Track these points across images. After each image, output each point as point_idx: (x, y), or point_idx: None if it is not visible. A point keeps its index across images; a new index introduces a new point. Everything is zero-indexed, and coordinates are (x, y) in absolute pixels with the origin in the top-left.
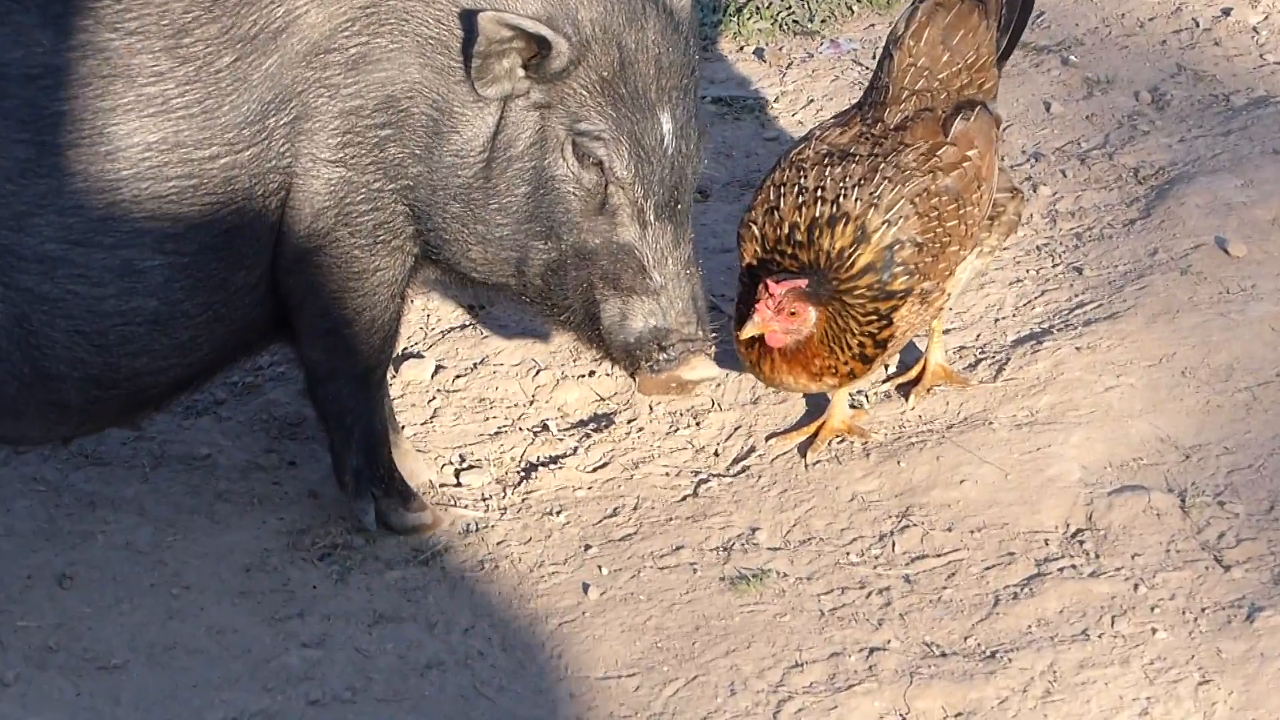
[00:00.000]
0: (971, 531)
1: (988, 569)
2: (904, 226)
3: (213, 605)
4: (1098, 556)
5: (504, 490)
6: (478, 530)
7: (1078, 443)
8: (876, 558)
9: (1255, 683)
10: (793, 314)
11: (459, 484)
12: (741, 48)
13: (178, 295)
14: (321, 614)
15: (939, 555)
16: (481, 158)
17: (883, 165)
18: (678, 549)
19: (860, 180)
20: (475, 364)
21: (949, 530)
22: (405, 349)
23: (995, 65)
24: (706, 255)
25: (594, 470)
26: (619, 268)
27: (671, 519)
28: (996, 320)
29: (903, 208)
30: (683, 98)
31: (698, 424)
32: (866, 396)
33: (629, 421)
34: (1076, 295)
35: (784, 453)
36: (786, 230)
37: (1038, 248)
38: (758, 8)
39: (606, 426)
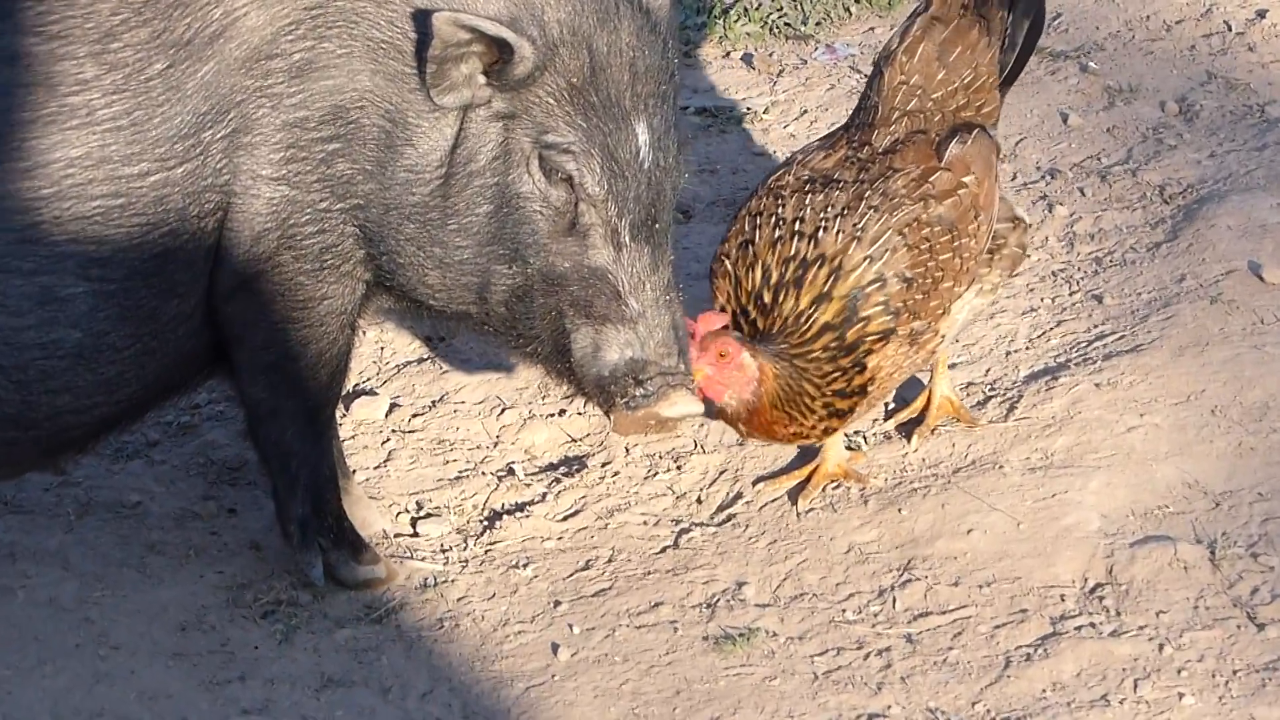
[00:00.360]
0: (980, 586)
1: (998, 628)
2: (890, 260)
3: (144, 668)
4: (1119, 614)
5: (465, 541)
6: (436, 585)
7: (1097, 489)
8: (875, 615)
9: None
10: (723, 355)
11: (416, 534)
12: (728, 53)
13: (103, 326)
14: (264, 678)
15: (944, 612)
16: (439, 173)
17: (869, 193)
18: (656, 606)
19: (844, 209)
20: (434, 402)
21: (955, 585)
22: (356, 385)
23: (998, 88)
24: (688, 282)
25: (564, 519)
26: (591, 294)
27: (650, 573)
28: (1008, 353)
29: (889, 239)
30: (660, 105)
31: (679, 468)
32: (864, 438)
33: (603, 465)
34: (1096, 326)
35: (773, 499)
36: (759, 276)
37: (1053, 273)
38: (746, 9)
39: (578, 470)
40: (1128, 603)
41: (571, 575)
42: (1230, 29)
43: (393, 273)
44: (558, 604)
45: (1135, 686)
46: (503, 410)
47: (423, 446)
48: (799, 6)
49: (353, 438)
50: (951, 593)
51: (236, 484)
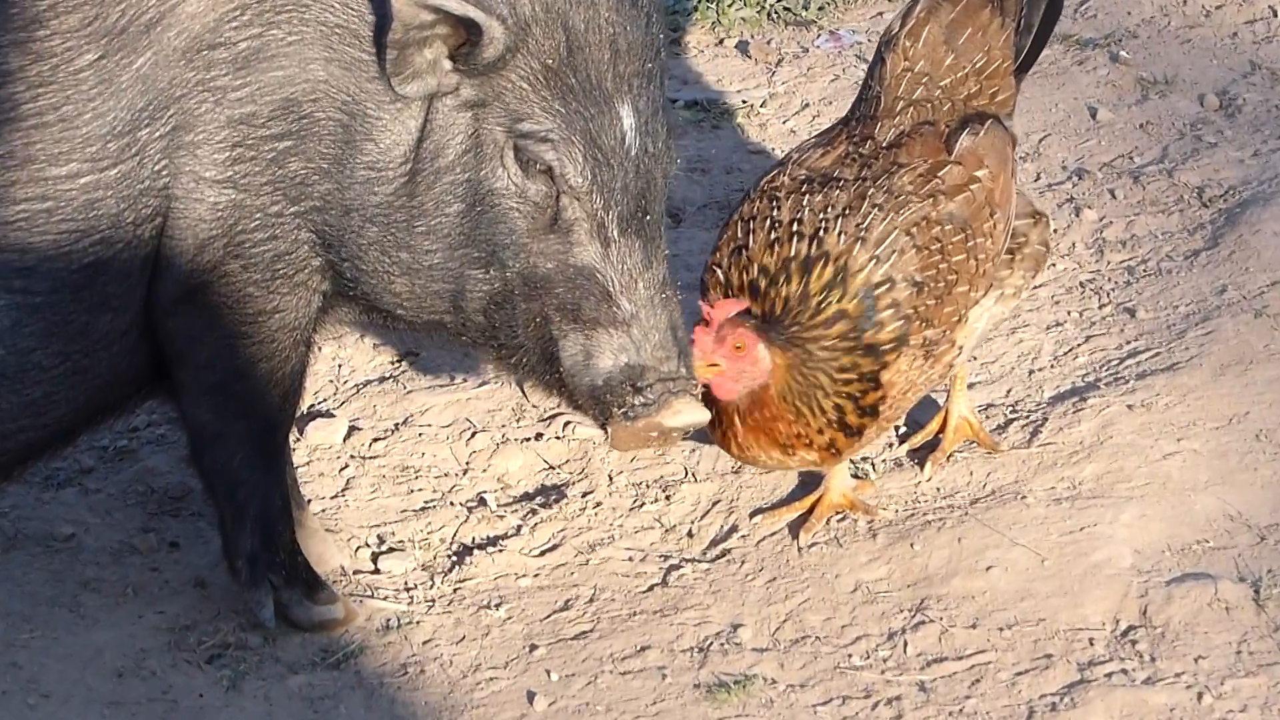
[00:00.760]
0: (1000, 629)
1: (1020, 674)
2: (898, 262)
3: (77, 718)
4: (1154, 659)
5: (432, 578)
6: (400, 627)
7: (1130, 521)
8: (885, 661)
9: None
10: (738, 347)
11: (377, 570)
12: (721, 40)
13: (27, 343)
14: None
15: (960, 658)
16: (403, 170)
17: (872, 191)
18: (643, 650)
19: (845, 210)
20: (397, 425)
21: (973, 627)
22: (312, 406)
23: (1012, 74)
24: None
25: (541, 554)
26: (579, 296)
27: (636, 613)
28: (1031, 372)
29: (896, 240)
30: (645, 86)
31: (668, 498)
32: (873, 465)
33: (584, 495)
34: (1128, 342)
35: (772, 533)
36: (755, 274)
37: (1081, 284)
38: None
39: (556, 501)
40: (1163, 647)
41: (549, 616)
42: (1276, 14)
43: (355, 281)
44: (534, 648)
45: None
46: (473, 434)
47: (385, 474)
48: None
49: (307, 464)
50: (969, 636)
51: (179, 515)
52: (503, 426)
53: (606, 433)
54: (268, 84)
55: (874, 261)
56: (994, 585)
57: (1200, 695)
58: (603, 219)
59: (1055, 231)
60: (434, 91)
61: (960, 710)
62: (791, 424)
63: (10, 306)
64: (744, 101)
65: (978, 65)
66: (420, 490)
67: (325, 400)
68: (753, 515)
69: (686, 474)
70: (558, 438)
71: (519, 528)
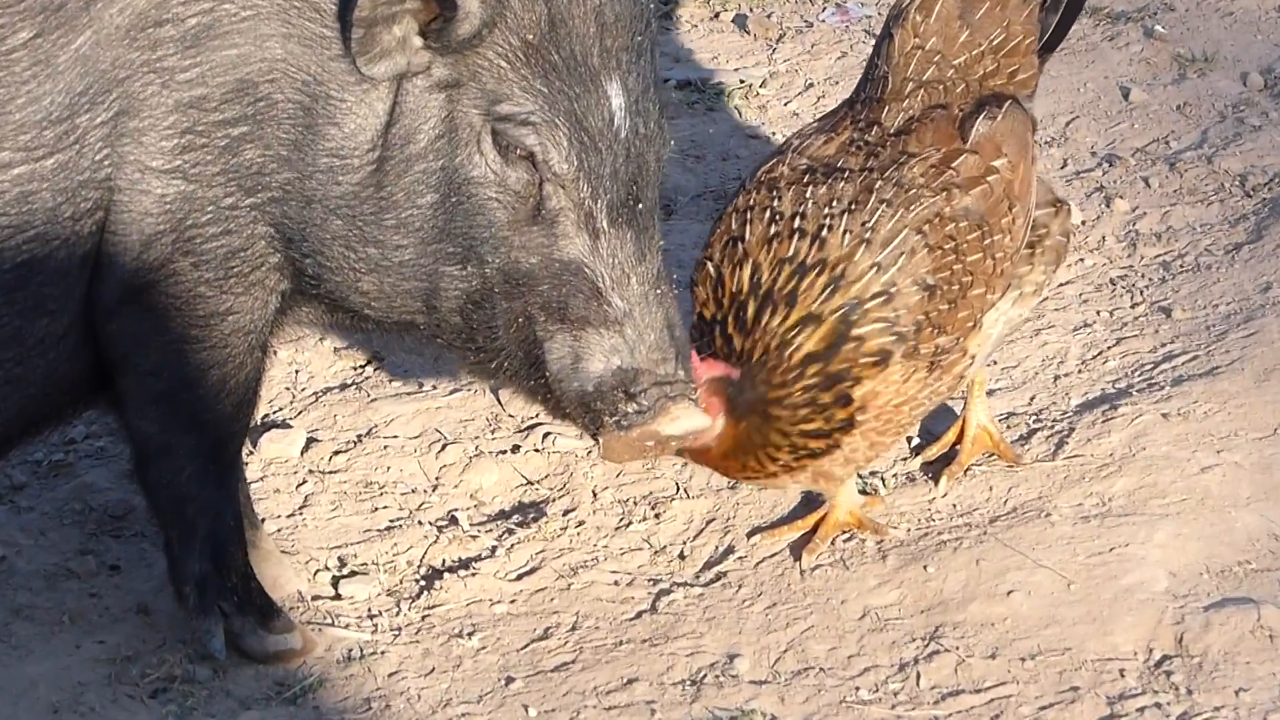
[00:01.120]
0: (1022, 659)
1: (1043, 709)
2: (907, 265)
3: None
4: (1190, 692)
5: (398, 605)
6: (363, 658)
7: (1164, 541)
8: (895, 694)
9: None
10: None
11: (338, 596)
12: (717, 14)
13: None
14: None
15: (978, 690)
16: (370, 158)
17: (880, 184)
18: (630, 683)
19: (851, 205)
20: (359, 436)
21: (992, 658)
22: (266, 416)
23: (1035, 53)
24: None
25: (518, 578)
26: (565, 293)
27: (622, 643)
28: (1057, 378)
29: (906, 239)
30: (635, 62)
31: (657, 516)
32: (883, 479)
33: (565, 513)
34: (1163, 344)
35: (772, 554)
36: (748, 278)
37: (1111, 281)
38: None
39: (535, 519)
40: (1201, 678)
41: (527, 646)
42: None
43: (319, 279)
44: (510, 680)
45: None
46: (443, 446)
47: (346, 490)
48: None
49: (262, 480)
50: (988, 667)
51: (120, 535)
52: (476, 438)
53: (597, 443)
54: (220, 64)
55: (875, 269)
56: (1015, 611)
57: None
58: (591, 208)
59: (1084, 224)
60: (403, 72)
61: None
62: (743, 469)
63: None
64: (742, 81)
65: (995, 42)
66: (385, 508)
67: (281, 410)
68: (750, 535)
69: (678, 490)
70: (536, 450)
71: (494, 549)
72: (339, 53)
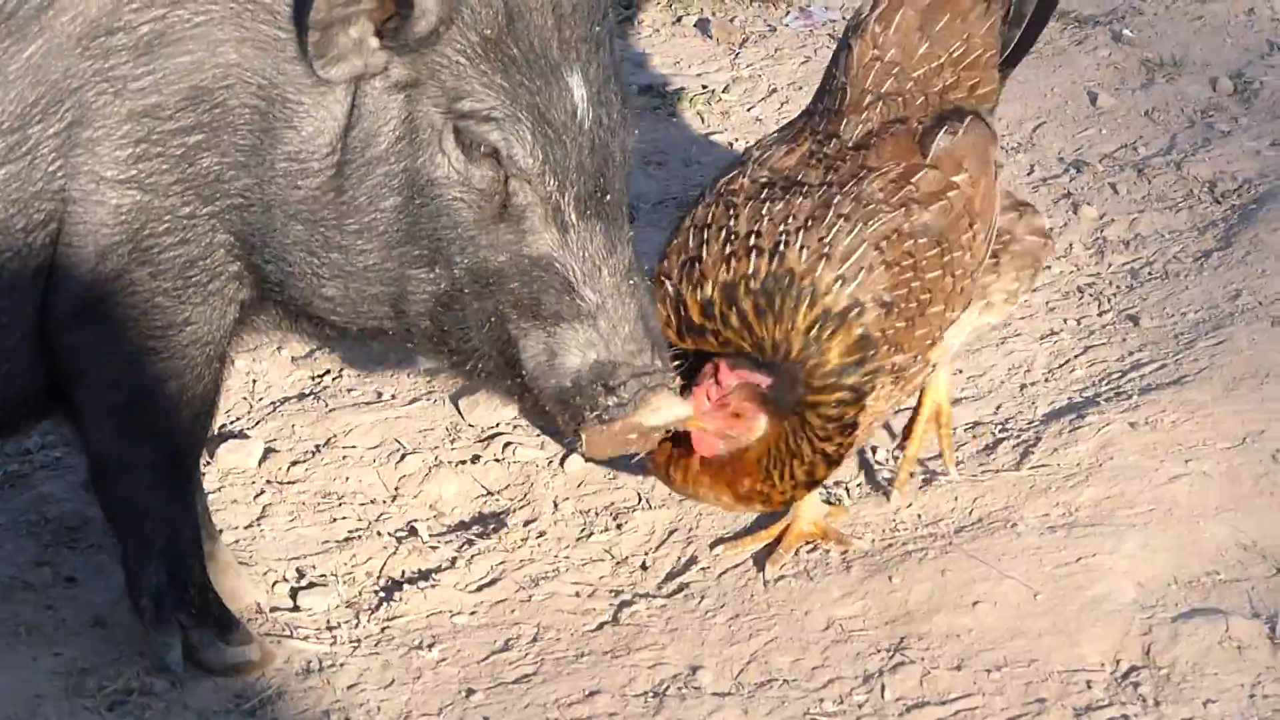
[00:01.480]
0: (988, 671)
1: None
2: (866, 282)
3: None
4: (1158, 704)
5: (357, 616)
6: (322, 670)
7: (1132, 551)
8: (860, 706)
9: None
10: (737, 416)
11: (296, 608)
12: (679, 18)
13: None
14: None
15: (944, 703)
16: (329, 162)
17: (839, 199)
18: (592, 695)
19: (808, 220)
20: (318, 446)
21: (957, 669)
22: (223, 426)
23: (996, 67)
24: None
25: (479, 589)
26: (537, 290)
27: (584, 654)
28: (1023, 387)
29: (864, 255)
30: (594, 52)
31: (619, 527)
32: (847, 489)
33: (526, 523)
34: (1131, 353)
35: (735, 565)
36: (710, 294)
37: (1079, 289)
38: None
39: (496, 530)
40: (1169, 690)
41: (487, 658)
42: None
43: (282, 285)
44: (471, 693)
45: None
46: (403, 456)
47: (304, 501)
48: None
49: (219, 490)
50: (953, 679)
51: (76, 547)
52: (435, 448)
53: (579, 440)
54: (173, 71)
55: (839, 281)
56: (981, 622)
57: None
58: (558, 202)
59: (1050, 231)
60: (361, 73)
61: None
62: (758, 482)
63: None
64: (704, 86)
65: (955, 55)
66: (344, 519)
67: (238, 419)
68: (713, 546)
69: (640, 500)
70: (497, 460)
71: (454, 560)
72: (294, 55)
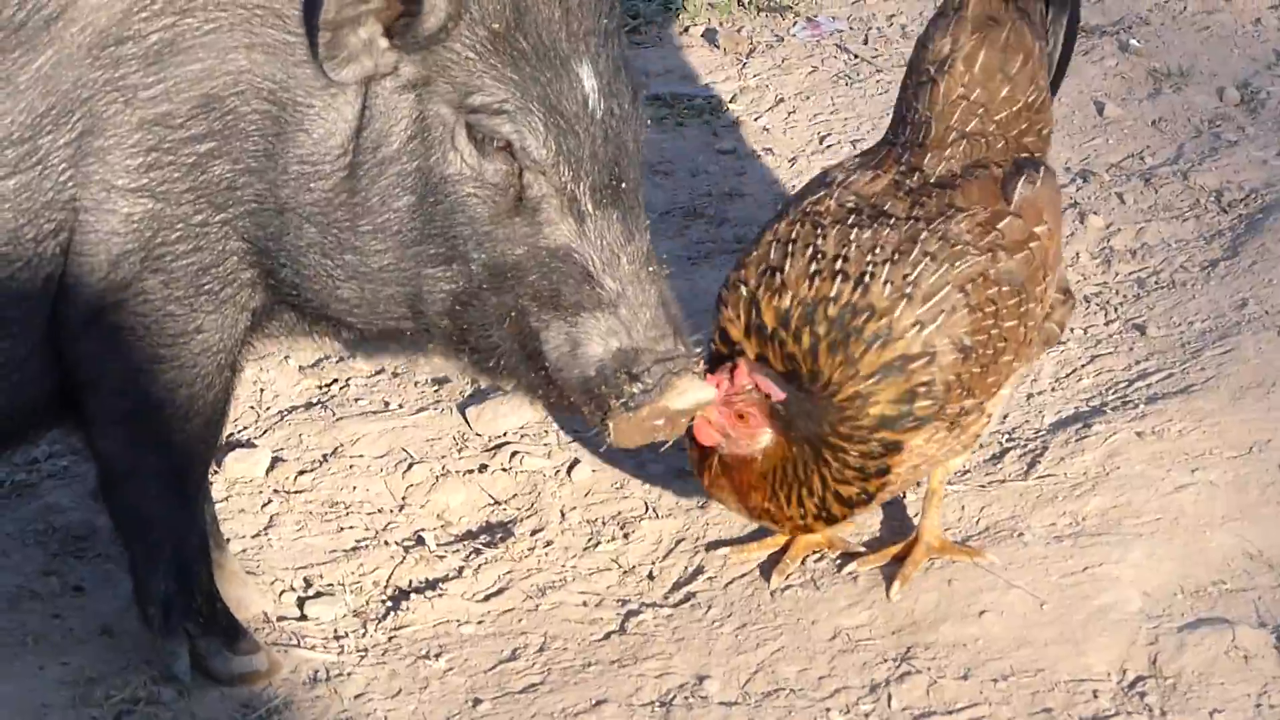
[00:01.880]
0: (994, 680)
1: None
2: (945, 325)
3: None
4: (1164, 713)
5: (364, 626)
6: (329, 679)
7: (1138, 561)
8: (867, 715)
9: None
10: (740, 418)
11: (304, 617)
12: (687, 29)
13: None
14: None
15: (951, 712)
16: (341, 164)
17: (925, 235)
18: (599, 704)
19: (895, 254)
20: (325, 456)
21: (964, 679)
22: (231, 435)
23: (1050, 108)
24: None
25: (486, 599)
26: (556, 280)
27: (590, 664)
28: (1030, 396)
29: (948, 296)
30: (603, 44)
31: (626, 536)
32: None
33: (533, 533)
34: (1138, 362)
35: (742, 574)
36: (789, 306)
37: (1086, 298)
38: None
39: (503, 539)
40: (1175, 699)
41: (494, 667)
42: None
43: (298, 288)
44: (477, 702)
45: None
46: (410, 466)
47: (312, 510)
48: None
49: (226, 499)
50: (960, 688)
51: (84, 556)
52: (443, 457)
53: (608, 429)
54: (183, 79)
55: (917, 327)
56: (988, 632)
57: None
58: (573, 192)
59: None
60: (371, 74)
61: None
62: (766, 500)
63: None
64: (712, 96)
65: (1029, 99)
66: (351, 528)
67: (246, 429)
68: (717, 550)
69: (647, 510)
70: (504, 470)
71: (461, 569)
72: (304, 58)
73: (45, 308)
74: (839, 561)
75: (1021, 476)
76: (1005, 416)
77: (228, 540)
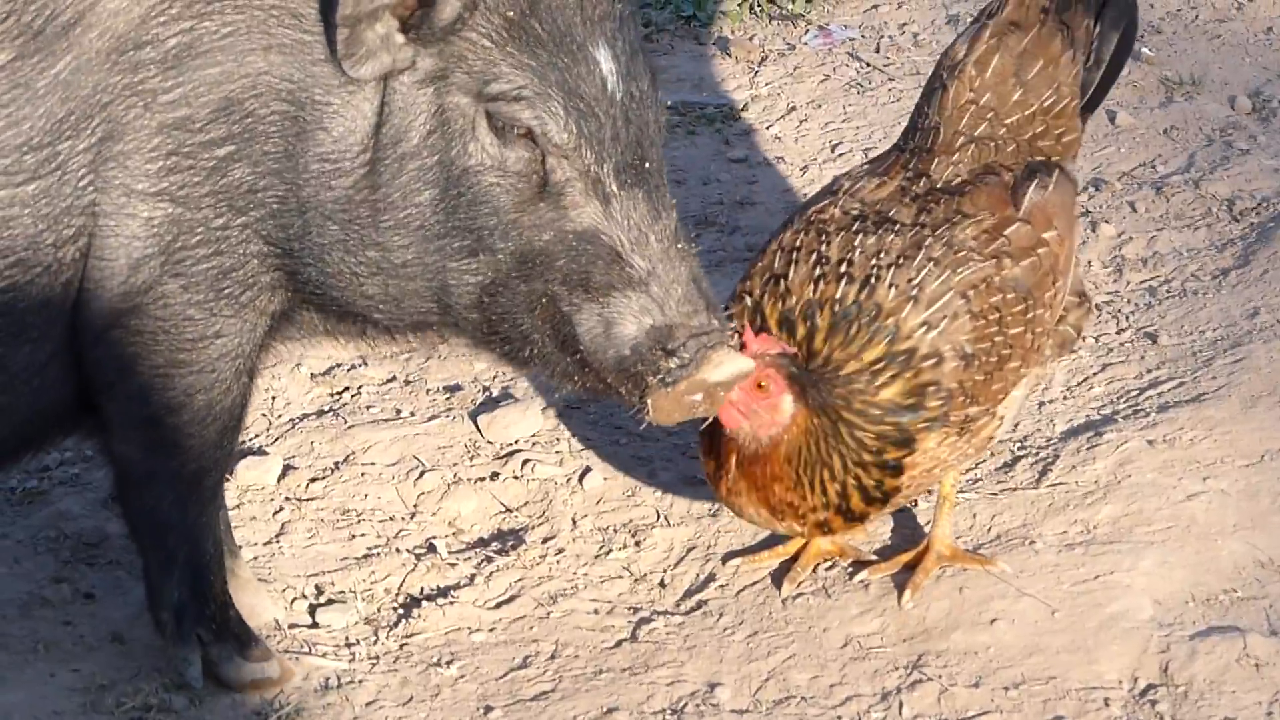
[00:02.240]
0: (1006, 688)
1: None
2: (949, 330)
3: None
4: None
5: (375, 633)
6: (340, 687)
7: (1150, 569)
8: None
9: None
10: (760, 386)
11: (315, 624)
12: (699, 37)
13: None
14: None
15: (962, 719)
16: (362, 160)
17: (930, 241)
18: (610, 712)
19: (899, 258)
20: (337, 463)
21: (975, 686)
22: (242, 443)
23: (1079, 114)
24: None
25: (497, 606)
26: (585, 263)
27: (602, 671)
28: (1041, 404)
29: (950, 302)
30: (619, 28)
31: (637, 544)
32: None
33: (544, 540)
34: (1149, 371)
35: (753, 582)
36: (791, 307)
37: (1097, 306)
38: None
39: (514, 547)
40: (1186, 708)
41: (506, 675)
42: None
43: (322, 287)
44: (489, 710)
45: None
46: (421, 473)
47: (323, 518)
48: None
49: (238, 507)
50: (971, 696)
51: (95, 564)
52: (454, 465)
53: (647, 407)
54: (202, 83)
55: (924, 328)
56: (999, 640)
57: None
58: (597, 174)
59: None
60: (389, 70)
61: None
62: (789, 490)
63: None
64: (723, 104)
65: (1046, 103)
66: (363, 536)
67: (258, 436)
68: (730, 560)
69: (658, 518)
70: (515, 477)
71: (472, 577)
72: (321, 57)
73: (65, 313)
74: (850, 569)
75: (1033, 484)
76: (1017, 425)
77: (240, 547)
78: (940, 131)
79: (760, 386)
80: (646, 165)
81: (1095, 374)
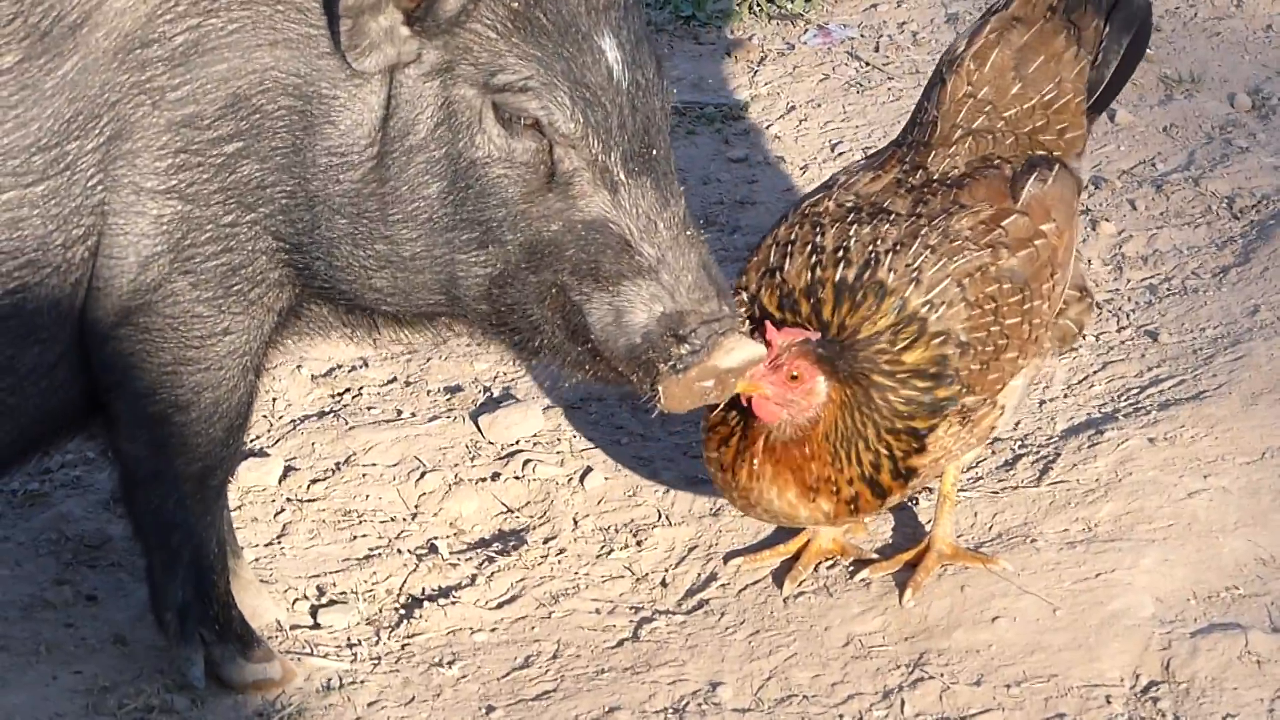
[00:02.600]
0: (1007, 686)
1: None
2: (945, 316)
3: None
4: (1177, 719)
5: (377, 634)
6: (342, 687)
7: (1151, 566)
8: None
9: None
10: (794, 378)
11: (317, 625)
12: (698, 36)
13: None
14: None
15: (964, 718)
16: (369, 154)
17: (926, 230)
18: (612, 711)
19: (896, 245)
20: (338, 464)
21: (977, 685)
22: (243, 444)
23: (1085, 112)
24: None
25: (499, 606)
26: (594, 252)
27: (604, 671)
28: (1042, 403)
29: (947, 289)
30: (625, 16)
31: (639, 543)
32: None
33: (546, 540)
34: (1150, 368)
35: (754, 581)
36: (792, 289)
37: (1098, 305)
38: None
39: (516, 547)
40: (1188, 705)
41: (508, 675)
42: None
43: (331, 279)
44: (491, 710)
45: None
46: (423, 474)
47: (325, 519)
48: None
49: (239, 508)
50: (973, 694)
51: (97, 566)
52: (455, 466)
53: (659, 395)
54: (209, 80)
55: (928, 307)
56: (1000, 638)
57: None
58: (604, 163)
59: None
60: (394, 63)
61: None
62: (826, 465)
63: None
64: (723, 103)
65: (1047, 97)
66: (364, 536)
67: (259, 437)
68: (731, 559)
69: (659, 517)
70: (516, 478)
71: (474, 577)
72: (327, 51)
73: (74, 314)
74: (851, 568)
75: (1034, 483)
76: (1018, 424)
77: (242, 548)
78: (938, 125)
79: (794, 378)
80: (654, 153)
81: (1096, 372)
